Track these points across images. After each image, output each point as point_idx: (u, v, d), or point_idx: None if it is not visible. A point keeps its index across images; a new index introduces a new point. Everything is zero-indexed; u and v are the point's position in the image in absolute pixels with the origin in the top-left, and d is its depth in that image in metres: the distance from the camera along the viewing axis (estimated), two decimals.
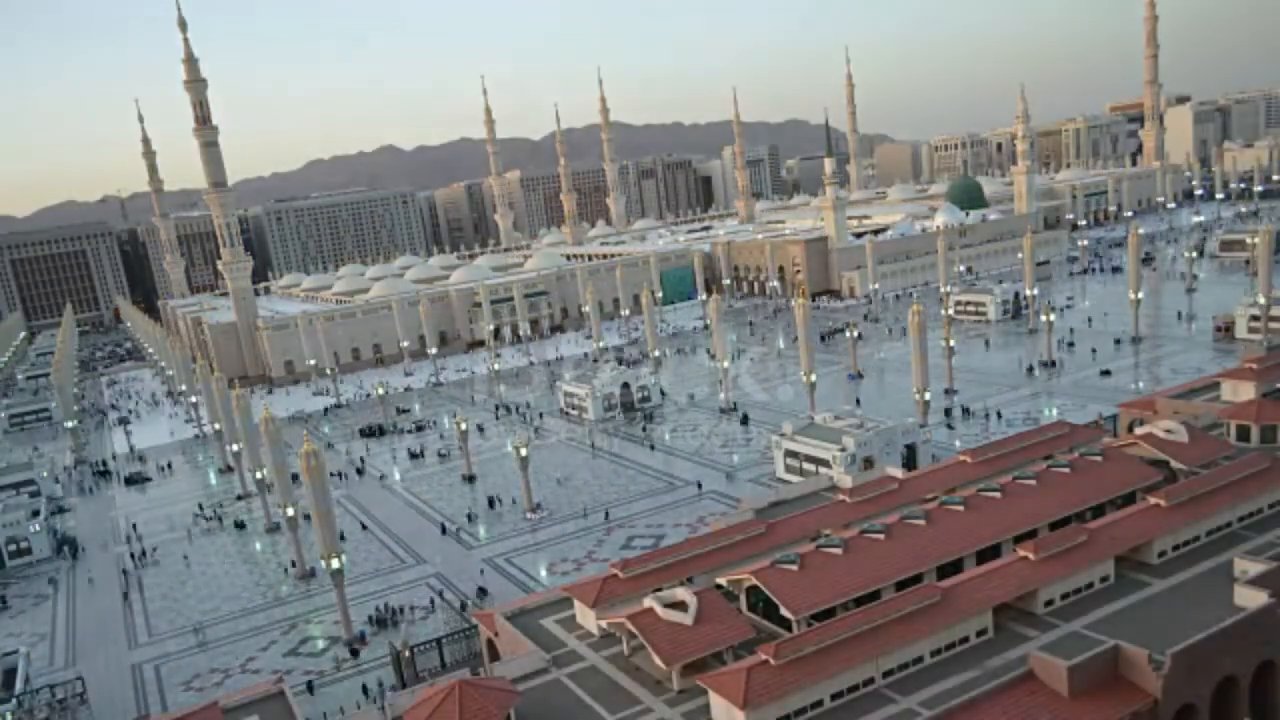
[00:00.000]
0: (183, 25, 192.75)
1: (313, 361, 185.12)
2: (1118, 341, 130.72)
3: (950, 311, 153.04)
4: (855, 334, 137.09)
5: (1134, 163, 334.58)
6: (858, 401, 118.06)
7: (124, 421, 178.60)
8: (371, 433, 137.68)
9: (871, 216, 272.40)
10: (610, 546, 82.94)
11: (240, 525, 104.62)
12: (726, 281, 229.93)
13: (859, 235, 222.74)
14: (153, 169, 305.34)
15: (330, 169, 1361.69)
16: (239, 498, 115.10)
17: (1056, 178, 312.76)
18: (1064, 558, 47.01)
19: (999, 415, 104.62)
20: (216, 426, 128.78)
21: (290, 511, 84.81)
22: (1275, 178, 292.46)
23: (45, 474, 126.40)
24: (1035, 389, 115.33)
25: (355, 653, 69.64)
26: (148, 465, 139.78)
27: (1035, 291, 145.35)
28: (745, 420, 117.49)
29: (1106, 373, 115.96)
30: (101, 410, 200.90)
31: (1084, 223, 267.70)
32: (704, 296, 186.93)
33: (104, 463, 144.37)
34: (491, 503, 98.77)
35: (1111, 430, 76.71)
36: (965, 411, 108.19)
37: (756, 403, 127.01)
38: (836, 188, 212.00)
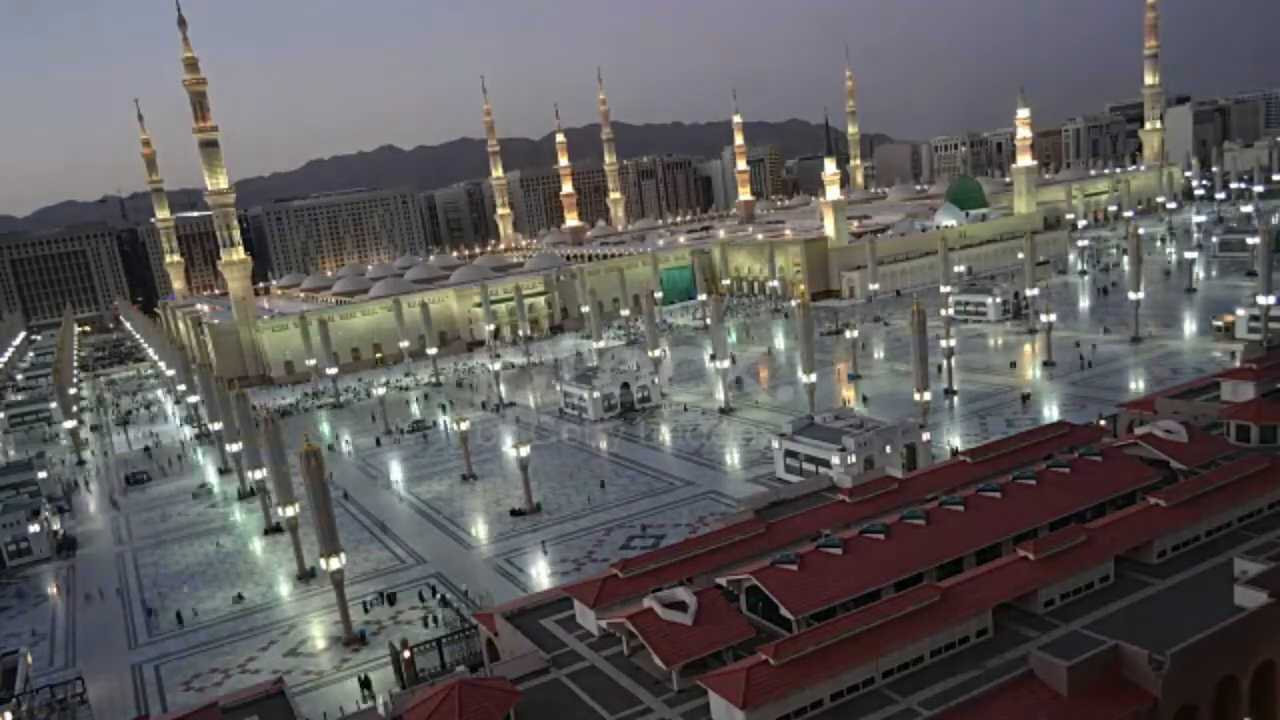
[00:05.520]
0: (182, 24, 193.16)
1: (313, 361, 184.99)
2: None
3: (950, 311, 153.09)
4: (855, 334, 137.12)
5: (1134, 163, 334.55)
6: (864, 400, 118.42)
7: (124, 422, 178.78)
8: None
9: (871, 216, 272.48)
10: (610, 546, 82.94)
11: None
12: (726, 282, 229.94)
13: (859, 235, 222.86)
14: (152, 167, 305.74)
15: (330, 169, 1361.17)
16: (241, 497, 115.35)
17: (1056, 178, 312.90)
18: (1064, 558, 46.98)
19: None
20: (216, 426, 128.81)
21: (290, 511, 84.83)
22: (1275, 177, 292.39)
23: (45, 474, 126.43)
24: (1035, 389, 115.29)
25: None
26: (147, 465, 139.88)
27: (1035, 292, 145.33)
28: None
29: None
30: (102, 409, 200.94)
31: (1084, 223, 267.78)
32: (704, 297, 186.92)
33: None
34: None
35: (1111, 430, 76.67)
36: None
37: (756, 403, 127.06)
38: (836, 188, 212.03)
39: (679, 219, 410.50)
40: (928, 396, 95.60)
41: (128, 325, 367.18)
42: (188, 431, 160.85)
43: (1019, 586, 45.73)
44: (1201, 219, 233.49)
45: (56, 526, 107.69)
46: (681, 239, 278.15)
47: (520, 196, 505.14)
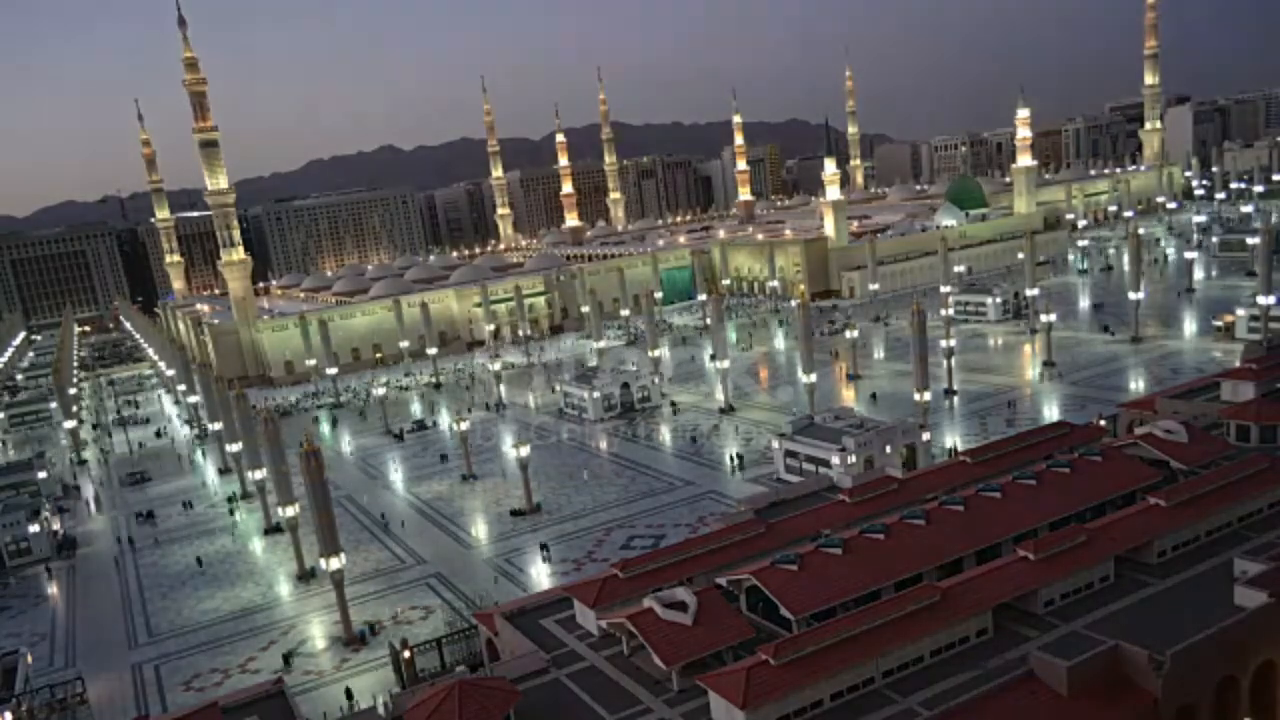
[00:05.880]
0: (182, 24, 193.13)
1: (312, 362, 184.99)
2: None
3: (950, 311, 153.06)
4: (854, 334, 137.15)
5: (1134, 163, 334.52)
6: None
7: (123, 422, 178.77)
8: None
9: (871, 216, 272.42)
10: (610, 546, 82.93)
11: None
12: (726, 282, 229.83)
13: (859, 235, 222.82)
14: (152, 167, 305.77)
15: (330, 169, 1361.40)
16: (240, 497, 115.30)
17: (1056, 178, 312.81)
18: (1064, 558, 46.98)
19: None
20: (216, 426, 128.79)
21: (290, 511, 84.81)
22: (1276, 177, 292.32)
23: (45, 474, 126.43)
24: (1035, 389, 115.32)
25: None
26: (147, 465, 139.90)
27: (1035, 292, 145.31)
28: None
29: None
30: (101, 410, 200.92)
31: (1084, 223, 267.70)
32: (704, 297, 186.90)
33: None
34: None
35: (1111, 430, 76.67)
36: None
37: (756, 403, 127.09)
38: (836, 188, 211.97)
39: (679, 219, 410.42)
40: (928, 396, 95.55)
41: (128, 325, 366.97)
42: (185, 431, 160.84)
43: (1019, 586, 45.73)
44: (1201, 219, 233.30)
45: (56, 526, 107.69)
46: (681, 239, 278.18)
47: (520, 196, 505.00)
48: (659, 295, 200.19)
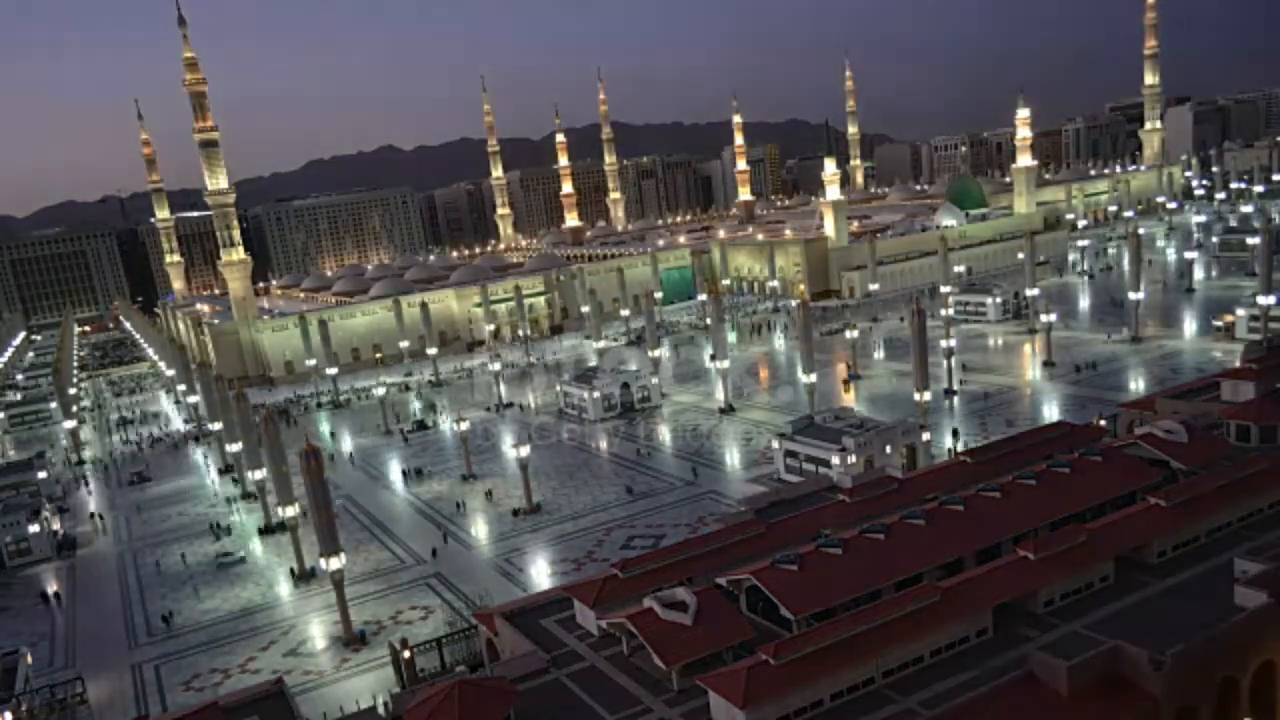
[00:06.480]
0: (182, 24, 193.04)
1: (313, 362, 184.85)
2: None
3: (950, 312, 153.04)
4: (854, 334, 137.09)
5: (1134, 163, 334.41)
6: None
7: (124, 421, 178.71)
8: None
9: (871, 216, 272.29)
10: (610, 546, 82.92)
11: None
12: (726, 282, 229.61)
13: (859, 235, 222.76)
14: (152, 167, 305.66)
15: (330, 169, 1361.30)
16: (241, 497, 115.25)
17: (1056, 178, 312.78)
18: (1064, 558, 46.99)
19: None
20: (216, 426, 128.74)
21: (290, 511, 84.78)
22: (1275, 177, 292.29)
23: (45, 474, 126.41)
24: (1035, 389, 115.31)
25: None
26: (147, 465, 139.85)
27: (1035, 292, 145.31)
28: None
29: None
30: (102, 408, 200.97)
31: (1084, 223, 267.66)
32: (704, 297, 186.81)
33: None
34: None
35: (1111, 430, 76.66)
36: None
37: (756, 403, 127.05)
38: (836, 188, 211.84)
39: (679, 219, 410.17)
40: (928, 396, 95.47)
41: (128, 325, 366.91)
42: (182, 430, 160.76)
43: (1019, 586, 45.74)
44: (1201, 219, 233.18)
45: (56, 526, 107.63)
46: (681, 239, 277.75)
47: (520, 196, 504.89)
48: (659, 295, 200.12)
